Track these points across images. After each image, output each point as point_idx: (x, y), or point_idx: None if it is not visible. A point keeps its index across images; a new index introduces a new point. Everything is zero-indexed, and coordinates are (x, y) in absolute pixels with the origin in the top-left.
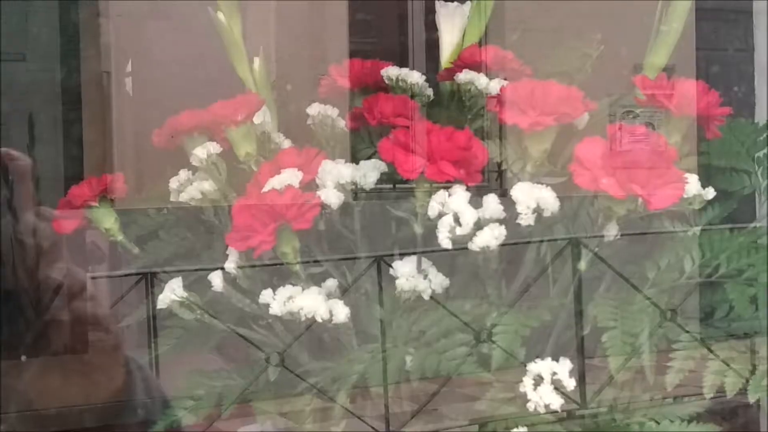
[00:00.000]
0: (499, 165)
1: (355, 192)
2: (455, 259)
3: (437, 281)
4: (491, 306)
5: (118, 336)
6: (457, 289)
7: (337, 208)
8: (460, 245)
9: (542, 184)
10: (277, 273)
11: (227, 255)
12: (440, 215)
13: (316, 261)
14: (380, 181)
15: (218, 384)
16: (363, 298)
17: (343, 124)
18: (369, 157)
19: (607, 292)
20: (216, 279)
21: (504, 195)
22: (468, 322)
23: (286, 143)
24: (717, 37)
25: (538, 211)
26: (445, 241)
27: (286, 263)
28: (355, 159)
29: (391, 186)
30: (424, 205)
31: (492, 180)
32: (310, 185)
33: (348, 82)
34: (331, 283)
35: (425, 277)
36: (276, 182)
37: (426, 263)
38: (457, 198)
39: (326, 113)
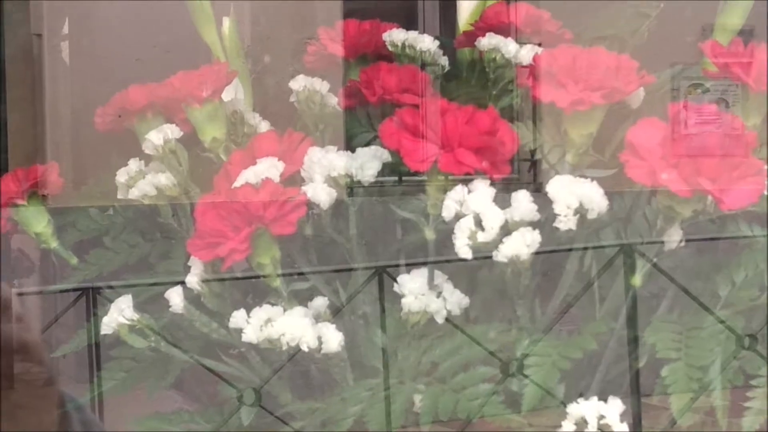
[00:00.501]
0: (533, 154)
1: (351, 187)
2: (476, 272)
3: (454, 300)
4: (522, 331)
5: (52, 368)
6: (479, 310)
7: (328, 207)
8: (483, 255)
9: (586, 177)
10: (252, 289)
11: (189, 267)
12: (457, 217)
13: (301, 274)
14: (382, 173)
15: (179, 429)
16: (360, 322)
17: (335, 101)
18: (368, 144)
19: (669, 313)
20: (175, 297)
21: (538, 191)
22: (493, 351)
23: (264, 126)
24: None
25: (580, 211)
26: (463, 249)
27: (264, 277)
28: (350, 146)
29: (395, 180)
30: (438, 205)
31: (523, 172)
32: (293, 179)
33: (341, 48)
34: (321, 303)
35: (439, 294)
36: (251, 175)
37: (440, 277)
38: (479, 195)
39: (314, 88)
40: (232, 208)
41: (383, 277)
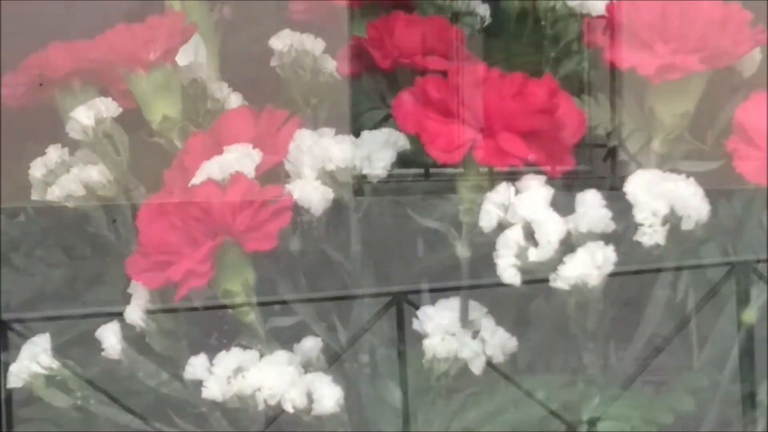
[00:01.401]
0: (608, 137)
1: (360, 185)
2: (527, 304)
3: (496, 341)
4: (591, 385)
5: None
6: (532, 356)
7: (322, 213)
8: (536, 279)
9: (680, 172)
10: (217, 327)
11: (129, 295)
12: (501, 226)
13: (284, 304)
14: (399, 166)
15: None
16: (366, 372)
17: (333, 66)
18: (378, 125)
19: None
20: (110, 336)
21: (615, 190)
22: (554, 411)
23: (234, 100)
24: None
25: (671, 219)
26: (508, 272)
27: (233, 310)
28: (354, 128)
29: (418, 174)
30: (474, 210)
31: (597, 164)
32: (275, 174)
33: None
34: (312, 345)
35: (475, 334)
36: (215, 168)
37: (477, 310)
38: (532, 197)
39: (303, 48)
40: (189, 215)
41: (402, 307)
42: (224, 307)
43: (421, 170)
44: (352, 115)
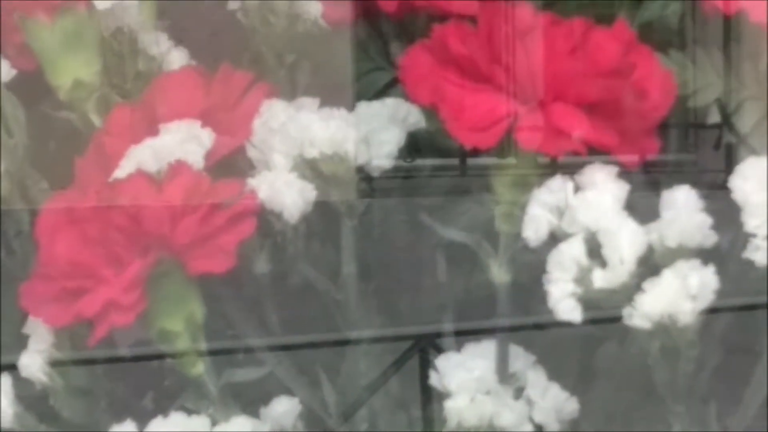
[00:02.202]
0: (710, 111)
1: (370, 179)
2: (594, 349)
3: (550, 403)
4: None
5: None
6: (598, 423)
7: (300, 219)
8: (605, 315)
9: None
10: (152, 382)
11: (25, 336)
12: (554, 239)
13: (247, 351)
14: (411, 150)
15: None
16: None
17: (317, 10)
18: (379, 94)
19: None
20: None
21: (721, 189)
22: None
23: (177, 57)
24: None
25: None
26: (565, 304)
27: (173, 358)
28: (348, 98)
29: (439, 166)
30: (515, 215)
31: (698, 151)
32: (233, 163)
33: None
34: (285, 408)
35: (519, 393)
36: (147, 155)
37: (521, 358)
38: (598, 197)
39: None
40: (110, 222)
41: (428, 356)
42: (159, 357)
43: (443, 159)
44: (344, 80)
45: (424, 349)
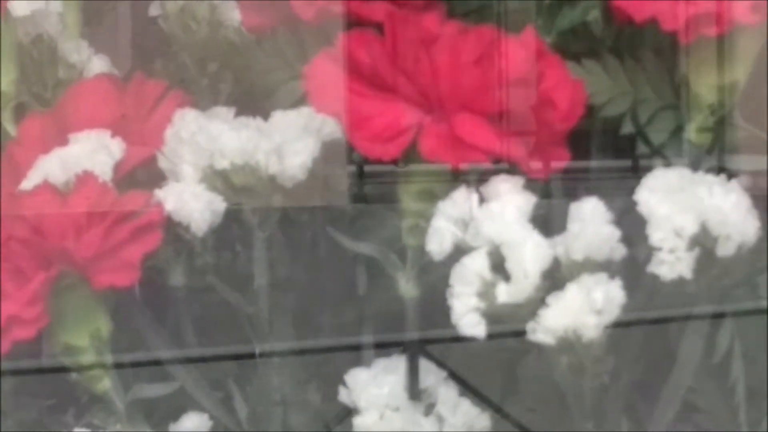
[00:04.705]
0: (635, 120)
1: (361, 184)
2: (509, 364)
3: (460, 419)
4: None
5: None
6: None
7: (206, 232)
8: (513, 330)
9: (722, 171)
10: (57, 396)
11: None
12: (458, 251)
13: (155, 365)
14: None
15: None
16: None
17: (237, 16)
18: (298, 103)
19: None
20: None
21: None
22: None
23: (98, 66)
24: None
25: (702, 242)
26: (468, 319)
27: (78, 374)
28: (264, 106)
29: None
30: (420, 227)
31: (599, 162)
32: (144, 175)
33: None
34: (195, 423)
35: (430, 409)
36: (54, 165)
37: (432, 374)
38: (502, 208)
39: None
40: (13, 234)
41: (417, 363)
42: (60, 369)
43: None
44: (263, 89)
45: (414, 354)
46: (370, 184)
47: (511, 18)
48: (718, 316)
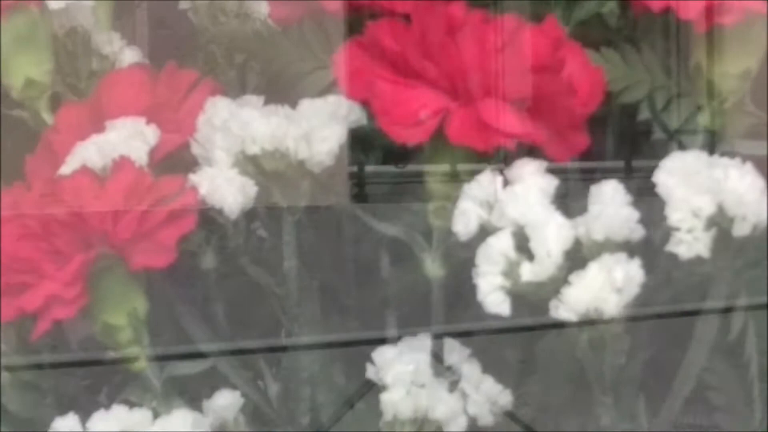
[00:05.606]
0: (652, 107)
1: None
2: (528, 343)
3: (483, 395)
4: None
5: None
6: (533, 415)
7: (238, 215)
8: (532, 309)
9: (733, 156)
10: (92, 375)
11: None
12: (483, 232)
13: (200, 356)
14: (357, 147)
15: None
16: None
17: (265, 9)
18: (324, 92)
19: None
20: None
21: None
22: None
23: (129, 57)
24: None
25: (719, 221)
26: (493, 297)
27: (116, 352)
28: (295, 95)
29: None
30: (446, 209)
31: (618, 146)
32: (178, 160)
33: None
34: (227, 401)
35: (453, 385)
36: (92, 151)
37: (456, 351)
38: (526, 191)
39: None
40: (53, 218)
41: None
42: (95, 362)
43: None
44: (290, 79)
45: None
46: (370, 184)
47: (531, 8)
48: (734, 297)
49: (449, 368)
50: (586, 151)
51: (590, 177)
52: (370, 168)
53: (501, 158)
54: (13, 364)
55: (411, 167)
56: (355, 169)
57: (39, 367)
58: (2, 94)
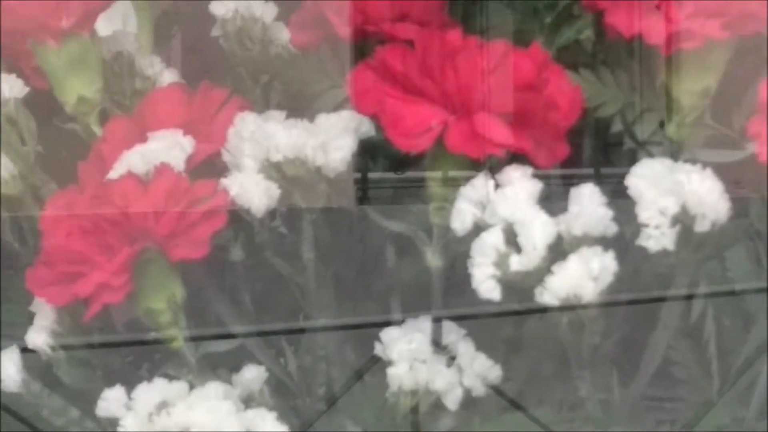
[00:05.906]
0: (624, 120)
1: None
2: (517, 325)
3: (476, 370)
4: (589, 423)
5: None
6: (519, 388)
7: (264, 214)
8: (520, 295)
9: (695, 163)
10: (136, 352)
11: (32, 315)
12: (478, 229)
13: (230, 337)
14: (366, 153)
15: None
16: (321, 406)
17: (286, 36)
18: (338, 107)
19: None
20: (8, 366)
21: (618, 188)
22: None
23: (168, 77)
24: None
25: (683, 219)
26: (486, 285)
27: (156, 333)
28: (312, 111)
29: (393, 170)
30: (445, 209)
31: (594, 154)
32: (211, 166)
33: None
34: (253, 375)
35: (450, 361)
36: (136, 159)
37: (453, 332)
38: (514, 192)
39: (252, 14)
40: (103, 216)
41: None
42: (139, 342)
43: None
44: (308, 96)
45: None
46: (372, 189)
47: (518, 36)
48: (694, 285)
49: (447, 346)
50: (567, 159)
51: (570, 181)
52: (372, 174)
53: (493, 164)
54: (68, 343)
55: (409, 174)
56: (359, 175)
57: (90, 346)
58: (58, 109)
